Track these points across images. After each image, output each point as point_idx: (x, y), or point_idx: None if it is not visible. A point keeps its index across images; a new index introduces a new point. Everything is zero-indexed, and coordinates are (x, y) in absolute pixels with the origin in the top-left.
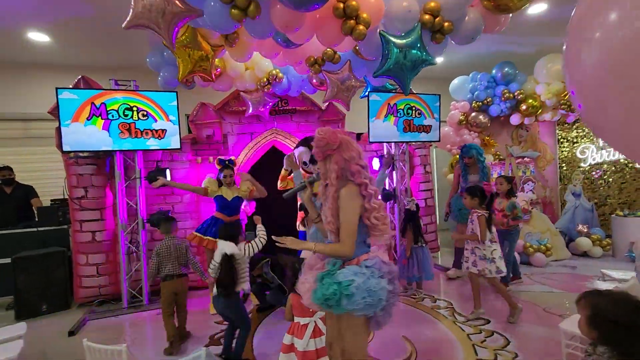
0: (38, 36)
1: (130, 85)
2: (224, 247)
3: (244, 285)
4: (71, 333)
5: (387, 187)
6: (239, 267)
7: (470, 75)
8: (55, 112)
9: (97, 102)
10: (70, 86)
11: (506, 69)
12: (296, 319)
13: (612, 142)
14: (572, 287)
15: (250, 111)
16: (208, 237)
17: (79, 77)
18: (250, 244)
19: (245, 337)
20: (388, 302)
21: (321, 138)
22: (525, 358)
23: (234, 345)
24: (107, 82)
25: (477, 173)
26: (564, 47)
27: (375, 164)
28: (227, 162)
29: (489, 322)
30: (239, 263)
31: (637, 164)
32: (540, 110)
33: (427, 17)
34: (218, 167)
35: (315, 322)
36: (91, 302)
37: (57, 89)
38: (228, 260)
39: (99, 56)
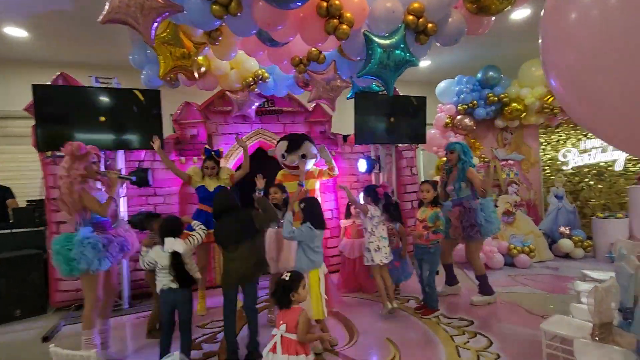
0: (15, 31)
1: (111, 83)
2: (172, 245)
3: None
4: (45, 339)
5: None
6: (187, 263)
7: (456, 78)
8: (31, 109)
9: None
10: (49, 83)
11: (491, 73)
12: (274, 331)
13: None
14: (554, 288)
15: (235, 111)
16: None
17: (58, 73)
18: (191, 236)
19: (190, 343)
20: None
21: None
22: (507, 359)
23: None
24: (88, 80)
25: (454, 178)
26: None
27: (362, 165)
28: (212, 153)
29: (472, 323)
30: (185, 259)
31: (615, 167)
32: (524, 114)
33: (410, 17)
34: (203, 157)
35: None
36: (68, 306)
37: (33, 85)
38: (178, 257)
39: (80, 53)
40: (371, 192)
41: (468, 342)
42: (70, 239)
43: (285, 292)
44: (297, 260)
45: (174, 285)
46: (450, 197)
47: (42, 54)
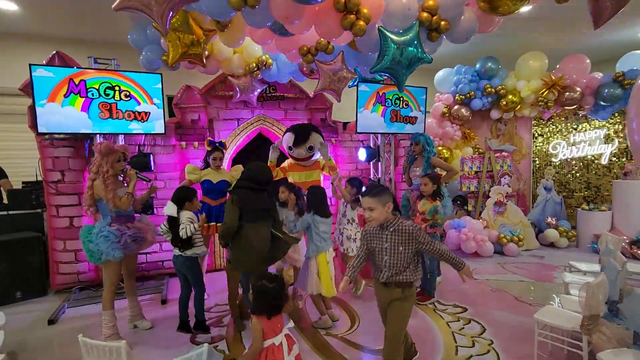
0: (4, 4)
1: (110, 65)
2: (169, 209)
3: (197, 250)
4: (51, 322)
5: (371, 178)
6: (182, 228)
7: (455, 68)
8: (27, 89)
9: (77, 80)
10: (44, 62)
11: (489, 64)
12: (268, 342)
13: None
14: (541, 276)
15: (237, 97)
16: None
17: (53, 52)
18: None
19: (202, 299)
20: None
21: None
22: (500, 344)
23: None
24: (85, 59)
25: (420, 166)
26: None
27: (362, 154)
28: (217, 144)
29: (466, 310)
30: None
31: (602, 160)
32: (519, 106)
33: (425, 15)
34: (208, 148)
35: (284, 335)
36: (69, 289)
37: (30, 65)
38: (173, 221)
39: (75, 29)
40: (356, 183)
41: (463, 328)
42: (90, 231)
43: None
44: (307, 246)
45: (176, 252)
46: (413, 182)
47: (35, 29)
